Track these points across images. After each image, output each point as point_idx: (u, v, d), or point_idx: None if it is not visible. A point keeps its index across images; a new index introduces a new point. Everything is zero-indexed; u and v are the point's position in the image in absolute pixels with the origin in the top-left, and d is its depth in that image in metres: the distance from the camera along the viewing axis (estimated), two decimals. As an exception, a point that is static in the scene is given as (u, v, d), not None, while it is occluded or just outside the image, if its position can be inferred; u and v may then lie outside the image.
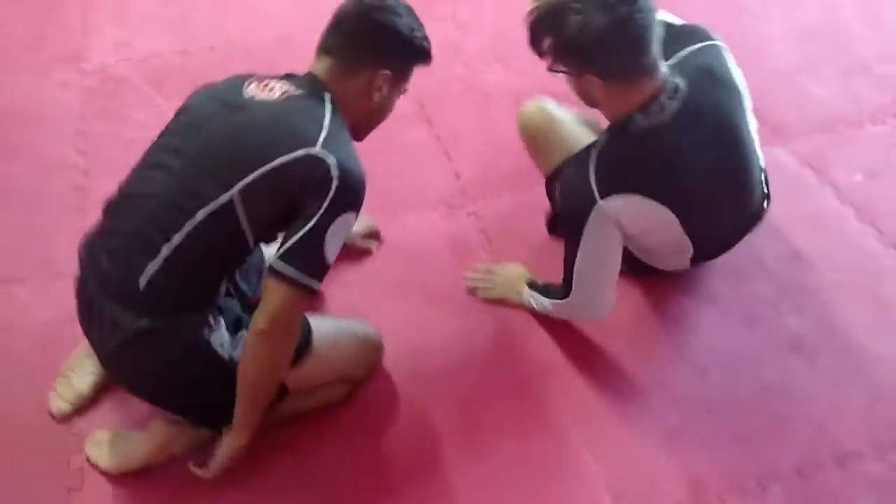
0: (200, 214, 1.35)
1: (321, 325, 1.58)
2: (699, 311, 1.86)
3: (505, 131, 2.20)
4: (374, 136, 2.35)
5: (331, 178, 1.34)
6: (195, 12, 2.77)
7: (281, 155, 1.34)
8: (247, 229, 1.38)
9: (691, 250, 1.71)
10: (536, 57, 1.53)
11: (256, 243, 1.43)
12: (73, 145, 2.28)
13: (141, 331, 1.37)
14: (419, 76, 2.27)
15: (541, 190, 1.90)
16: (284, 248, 1.35)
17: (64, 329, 1.54)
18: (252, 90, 1.44)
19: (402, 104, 2.43)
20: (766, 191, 1.81)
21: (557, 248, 1.83)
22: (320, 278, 1.38)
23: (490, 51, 2.64)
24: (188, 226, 1.35)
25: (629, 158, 1.52)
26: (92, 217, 1.52)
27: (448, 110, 2.42)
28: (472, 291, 1.90)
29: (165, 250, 1.35)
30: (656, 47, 1.45)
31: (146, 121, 2.33)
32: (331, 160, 1.35)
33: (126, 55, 2.62)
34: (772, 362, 1.75)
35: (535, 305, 1.80)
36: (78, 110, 2.41)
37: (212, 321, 1.43)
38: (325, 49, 1.50)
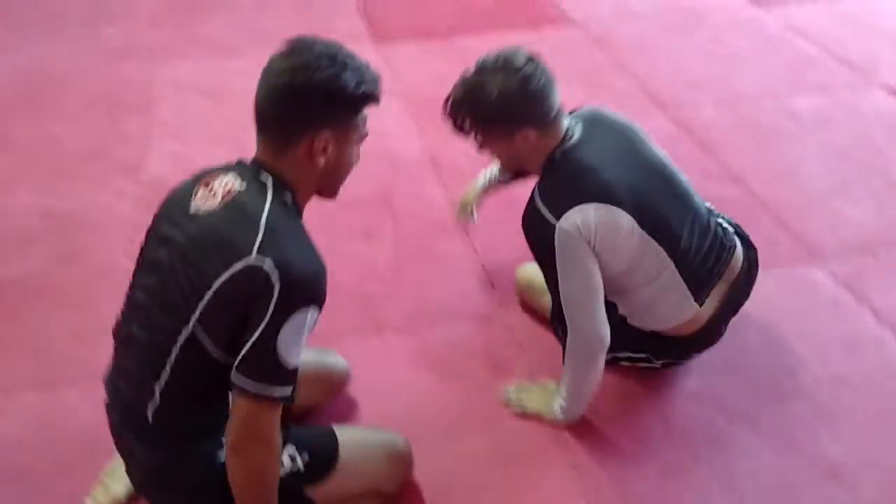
0: (174, 351, 1.34)
1: (349, 437, 1.59)
2: (734, 432, 1.83)
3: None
4: (410, 245, 2.46)
5: (271, 284, 1.26)
6: (252, 128, 2.91)
7: (221, 275, 1.28)
8: (218, 355, 1.33)
9: (673, 266, 1.73)
10: None
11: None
12: (124, 253, 2.37)
13: (157, 467, 1.41)
14: (460, 190, 2.37)
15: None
16: (238, 359, 1.29)
17: (107, 433, 1.57)
18: (198, 199, 1.38)
19: (441, 214, 2.58)
20: (709, 205, 1.89)
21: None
22: (285, 383, 1.31)
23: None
24: (168, 364, 1.35)
25: (561, 178, 1.70)
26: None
27: (483, 221, 2.49)
28: (505, 405, 1.90)
29: (158, 388, 1.37)
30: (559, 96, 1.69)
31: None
32: (267, 264, 1.26)
33: (183, 167, 2.73)
34: (811, 490, 1.70)
35: (564, 404, 1.81)
36: (132, 219, 2.53)
37: (224, 441, 1.42)
38: (258, 127, 1.39)
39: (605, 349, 1.73)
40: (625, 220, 1.65)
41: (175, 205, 1.42)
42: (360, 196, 2.63)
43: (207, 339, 1.32)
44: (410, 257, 2.40)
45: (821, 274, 2.29)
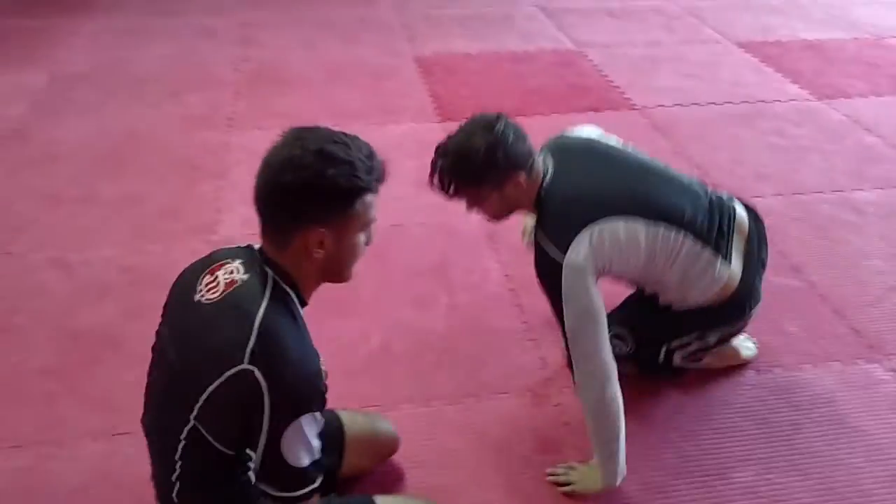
0: (180, 445, 1.36)
1: None
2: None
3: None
4: (464, 317, 2.50)
5: (261, 394, 1.26)
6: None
7: (214, 380, 1.29)
8: (221, 447, 1.35)
9: (689, 237, 1.84)
10: None
11: (246, 452, 1.37)
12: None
13: None
14: (515, 265, 2.42)
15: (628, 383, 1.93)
16: (258, 469, 1.34)
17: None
18: (204, 286, 1.38)
19: (495, 289, 2.62)
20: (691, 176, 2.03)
21: (641, 446, 1.83)
22: (309, 481, 1.35)
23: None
24: (178, 454, 1.37)
25: (552, 215, 1.82)
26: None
27: (538, 297, 2.52)
28: (553, 483, 1.90)
29: (175, 476, 1.39)
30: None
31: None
32: (258, 373, 1.26)
33: (251, 230, 2.83)
34: None
35: (598, 460, 1.80)
36: (201, 277, 2.64)
37: None
38: (259, 217, 1.39)
39: (613, 376, 1.75)
40: (620, 224, 1.76)
41: (185, 287, 1.43)
42: (416, 267, 2.70)
43: (208, 433, 1.34)
44: (463, 330, 2.43)
45: (881, 370, 2.24)
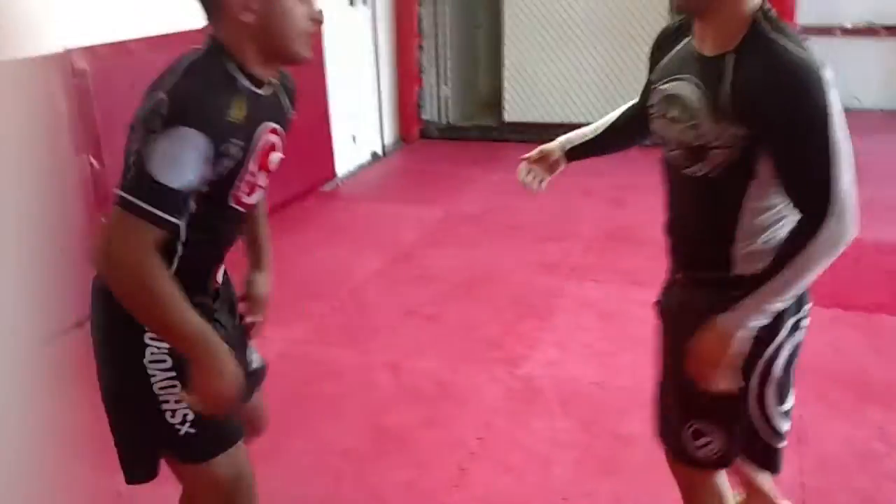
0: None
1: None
2: None
3: None
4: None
5: (160, 102, 1.31)
6: (624, 352, 3.09)
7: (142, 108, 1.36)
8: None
9: None
10: None
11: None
12: (474, 433, 2.69)
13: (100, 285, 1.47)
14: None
15: None
16: (123, 175, 1.34)
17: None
18: None
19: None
20: None
21: None
22: (156, 204, 1.28)
23: None
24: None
25: (777, 28, 1.40)
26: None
27: None
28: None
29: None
30: None
31: (540, 431, 2.64)
32: (160, 93, 1.32)
33: (551, 373, 3.03)
34: None
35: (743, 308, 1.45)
36: (491, 405, 2.85)
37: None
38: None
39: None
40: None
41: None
42: (617, 430, 2.51)
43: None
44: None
45: None
